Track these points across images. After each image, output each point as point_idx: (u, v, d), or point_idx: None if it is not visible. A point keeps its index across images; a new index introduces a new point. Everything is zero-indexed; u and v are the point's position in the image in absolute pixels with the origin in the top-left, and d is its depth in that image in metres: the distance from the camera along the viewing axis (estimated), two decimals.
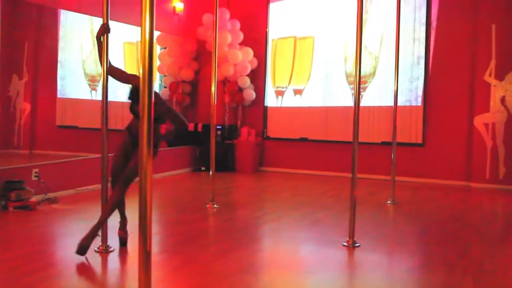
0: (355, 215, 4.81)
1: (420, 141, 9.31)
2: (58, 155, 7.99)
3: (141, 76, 2.33)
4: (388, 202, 7.05)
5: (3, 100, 7.84)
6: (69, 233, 5.21)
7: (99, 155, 4.46)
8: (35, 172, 6.70)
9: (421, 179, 9.20)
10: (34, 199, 6.25)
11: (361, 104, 8.97)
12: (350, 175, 4.92)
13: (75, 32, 8.92)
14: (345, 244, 4.75)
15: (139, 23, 2.35)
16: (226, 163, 10.16)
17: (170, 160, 9.61)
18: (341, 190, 8.13)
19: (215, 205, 6.52)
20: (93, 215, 4.63)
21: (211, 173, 6.69)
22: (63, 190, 7.06)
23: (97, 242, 4.33)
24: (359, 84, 4.77)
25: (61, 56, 8.83)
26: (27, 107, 8.28)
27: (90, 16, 8.07)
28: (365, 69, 9.60)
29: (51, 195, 6.67)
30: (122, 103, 9.81)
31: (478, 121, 8.80)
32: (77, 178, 7.36)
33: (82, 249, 4.16)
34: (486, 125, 8.74)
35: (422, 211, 6.76)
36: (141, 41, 2.35)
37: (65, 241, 4.93)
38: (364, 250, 4.65)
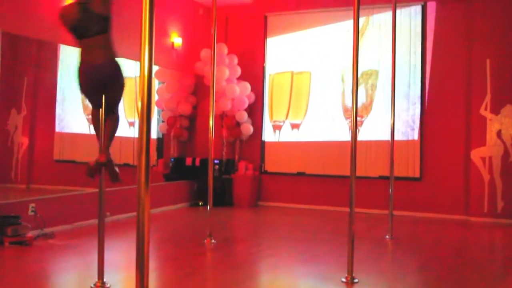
0: (354, 250, 4.78)
1: (417, 175, 9.31)
2: (56, 190, 7.96)
3: (139, 111, 2.34)
4: (387, 236, 7.01)
5: (1, 135, 7.85)
6: (64, 269, 5.16)
7: (96, 190, 4.44)
8: (32, 207, 6.66)
9: (419, 213, 9.17)
10: (30, 234, 6.20)
11: (358, 139, 9.01)
12: (348, 209, 4.91)
13: (75, 66, 8.99)
14: (343, 280, 4.70)
15: (138, 58, 2.37)
16: (223, 197, 10.12)
17: (168, 194, 9.58)
18: (339, 224, 8.08)
19: (213, 240, 6.47)
20: (90, 251, 4.58)
21: (208, 207, 6.66)
22: (60, 225, 7.00)
23: (93, 278, 4.28)
24: (355, 118, 4.80)
25: (60, 90, 8.87)
26: (25, 141, 8.28)
27: None
28: (362, 103, 9.67)
29: (47, 230, 6.61)
30: (120, 137, 9.79)
31: (475, 155, 8.83)
32: (74, 213, 7.32)
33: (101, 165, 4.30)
34: (483, 159, 8.76)
35: (421, 246, 6.72)
36: (140, 76, 2.37)
37: (60, 277, 4.87)
38: (362, 286, 4.60)
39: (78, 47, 4.31)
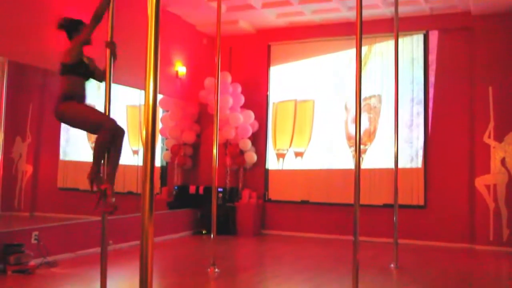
0: (358, 279, 4.73)
1: (422, 203, 9.27)
2: (59, 218, 7.95)
3: (144, 139, 2.36)
4: (391, 265, 6.94)
5: (5, 162, 7.87)
6: None
7: (99, 218, 4.43)
8: (35, 235, 6.64)
9: (424, 241, 9.10)
10: (33, 262, 6.17)
11: (362, 166, 9.00)
12: (352, 237, 4.88)
13: None
14: None
15: (143, 87, 2.39)
16: (227, 226, 10.07)
17: (171, 222, 9.54)
18: (343, 253, 8.02)
19: (217, 269, 6.42)
20: (93, 280, 4.56)
21: (212, 236, 6.63)
22: (62, 253, 6.97)
23: None
24: (359, 146, 4.80)
25: None
26: (29, 169, 8.30)
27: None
28: (365, 131, 9.69)
29: (50, 258, 6.58)
30: (124, 165, 9.81)
31: (479, 182, 8.80)
32: (77, 241, 7.29)
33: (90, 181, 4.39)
34: (488, 186, 8.73)
35: (426, 276, 6.65)
36: (145, 105, 2.39)
37: None
38: None
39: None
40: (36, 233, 6.68)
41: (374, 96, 9.79)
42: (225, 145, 10.33)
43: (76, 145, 9.07)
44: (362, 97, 4.91)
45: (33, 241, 6.57)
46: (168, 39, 9.60)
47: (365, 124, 9.70)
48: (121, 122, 9.45)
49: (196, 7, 9.31)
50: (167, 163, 10.63)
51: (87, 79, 4.61)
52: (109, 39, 4.40)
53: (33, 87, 8.36)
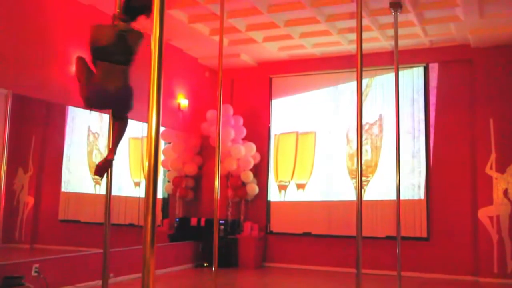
0: None
1: (425, 235, 9.22)
2: (60, 250, 7.90)
3: (146, 172, 2.36)
4: None
5: (7, 194, 7.86)
6: None
7: (100, 250, 4.41)
8: (35, 268, 6.59)
9: (428, 274, 9.01)
10: None
11: (364, 198, 8.98)
12: (354, 270, 4.84)
13: (82, 127, 9.10)
14: None
15: (146, 120, 2.41)
16: (229, 258, 9.99)
17: (172, 255, 9.47)
18: (346, 285, 7.94)
19: None
20: None
21: (213, 269, 6.57)
22: (63, 286, 6.91)
23: None
24: (361, 178, 4.80)
25: (67, 150, 8.96)
26: (31, 200, 8.29)
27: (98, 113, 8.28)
28: (367, 163, 9.69)
29: None
30: (126, 197, 9.81)
31: (482, 214, 8.76)
32: (78, 273, 7.23)
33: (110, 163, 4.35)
34: (491, 218, 8.69)
35: None
36: (147, 138, 2.40)
37: None
38: None
39: (91, 65, 4.43)
40: (37, 265, 6.63)
41: (375, 125, 9.82)
42: (227, 177, 10.32)
43: (78, 177, 9.08)
44: (363, 129, 4.93)
45: (33, 273, 6.53)
46: (171, 72, 9.70)
47: (366, 156, 9.71)
48: (123, 153, 9.51)
49: (199, 41, 9.42)
50: (168, 195, 10.61)
51: None
52: None
53: (36, 120, 8.41)
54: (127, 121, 4.61)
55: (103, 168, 4.41)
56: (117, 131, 4.51)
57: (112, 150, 4.43)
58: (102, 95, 4.32)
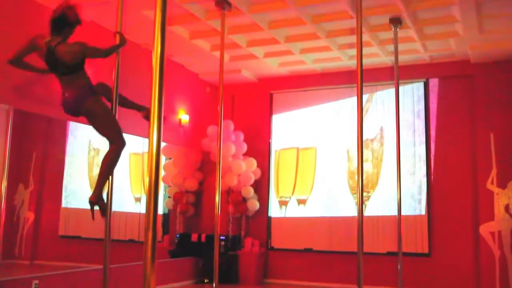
0: None
1: (426, 251, 9.17)
2: (60, 266, 7.86)
3: (147, 187, 2.36)
4: None
5: (7, 210, 7.85)
6: None
7: (100, 266, 4.40)
8: (35, 284, 6.55)
9: None
10: None
11: (365, 214, 8.96)
12: (356, 286, 4.82)
13: (83, 142, 9.11)
14: None
15: (147, 135, 2.42)
16: (229, 274, 9.93)
17: (173, 271, 9.42)
18: None
19: None
20: None
21: (214, 285, 6.54)
22: None
23: None
24: (361, 193, 4.80)
25: (67, 166, 8.96)
26: (31, 216, 8.27)
27: None
28: (368, 179, 9.68)
29: None
30: (126, 213, 9.78)
31: (484, 229, 8.72)
32: None
33: (92, 204, 4.37)
34: (492, 233, 8.65)
35: None
36: (148, 153, 2.41)
37: None
38: None
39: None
40: (36, 281, 6.59)
41: (375, 140, 9.83)
42: (227, 193, 10.30)
43: (78, 193, 9.07)
44: (364, 144, 4.94)
45: None
46: (172, 87, 9.72)
47: (367, 171, 9.71)
48: (124, 169, 9.50)
49: (200, 57, 9.46)
50: (169, 210, 10.58)
51: None
52: (114, 89, 4.48)
53: (37, 135, 8.43)
54: (115, 151, 4.52)
55: (91, 204, 4.43)
56: (102, 165, 4.52)
57: (95, 189, 4.45)
58: (62, 103, 4.63)
